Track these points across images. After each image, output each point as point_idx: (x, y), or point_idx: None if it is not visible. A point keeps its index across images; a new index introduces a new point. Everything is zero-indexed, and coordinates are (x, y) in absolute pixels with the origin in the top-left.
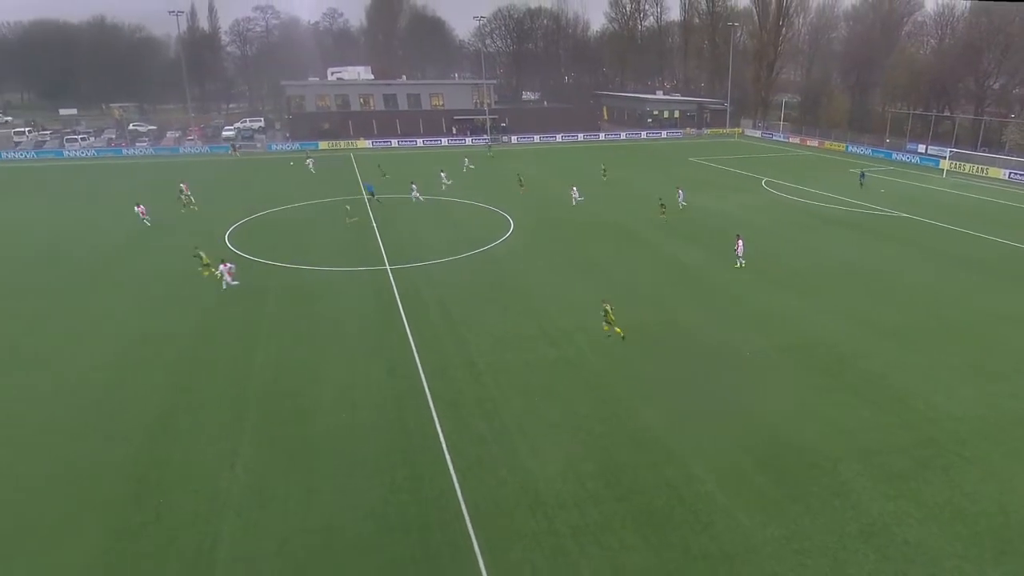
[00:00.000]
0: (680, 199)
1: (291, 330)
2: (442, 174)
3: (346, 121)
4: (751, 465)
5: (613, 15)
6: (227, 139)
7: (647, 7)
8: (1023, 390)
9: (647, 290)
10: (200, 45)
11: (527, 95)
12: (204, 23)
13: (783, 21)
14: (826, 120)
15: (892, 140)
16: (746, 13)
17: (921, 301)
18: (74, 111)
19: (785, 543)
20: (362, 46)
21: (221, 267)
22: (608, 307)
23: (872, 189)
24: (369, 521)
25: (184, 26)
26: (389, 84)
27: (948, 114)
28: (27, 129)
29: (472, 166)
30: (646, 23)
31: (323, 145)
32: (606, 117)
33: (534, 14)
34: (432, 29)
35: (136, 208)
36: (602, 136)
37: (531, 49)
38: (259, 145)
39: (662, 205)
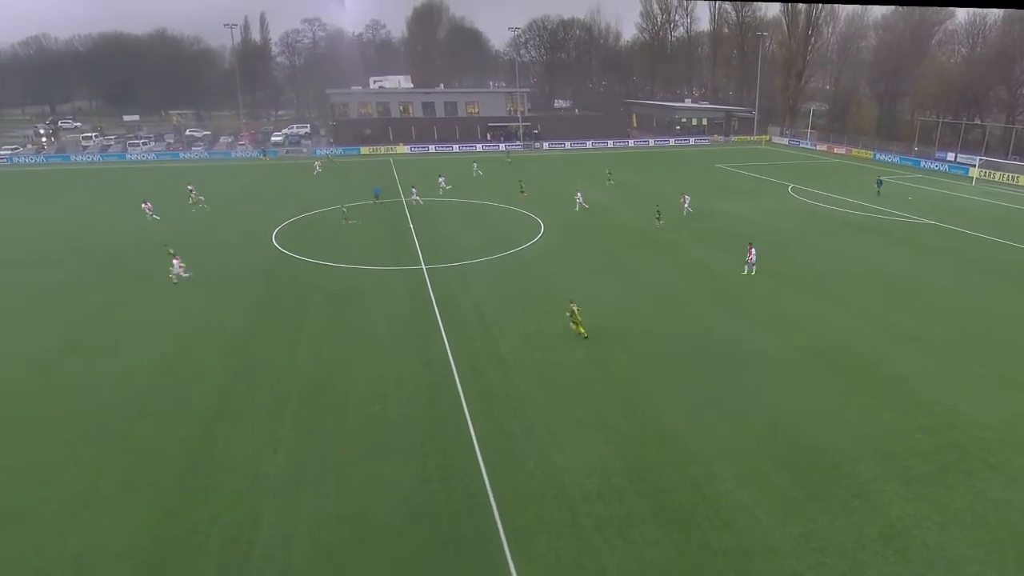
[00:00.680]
0: (685, 205)
1: (332, 325)
2: (440, 179)
3: (386, 127)
4: (772, 465)
5: (644, 25)
6: (275, 144)
7: (677, 18)
8: None
9: (674, 292)
10: (252, 56)
11: (559, 103)
12: (256, 35)
13: (812, 31)
14: (854, 128)
15: (920, 148)
16: (775, 23)
17: (946, 307)
18: (136, 117)
19: (804, 542)
20: (403, 56)
21: (174, 261)
22: (575, 307)
23: (892, 196)
24: (400, 508)
25: (238, 38)
26: (428, 92)
27: (979, 122)
28: (94, 134)
29: (480, 172)
30: (676, 33)
31: (364, 150)
32: (635, 124)
33: (567, 25)
34: (470, 40)
35: (189, 189)
36: (631, 143)
37: (563, 59)
38: (305, 150)
39: (658, 212)
